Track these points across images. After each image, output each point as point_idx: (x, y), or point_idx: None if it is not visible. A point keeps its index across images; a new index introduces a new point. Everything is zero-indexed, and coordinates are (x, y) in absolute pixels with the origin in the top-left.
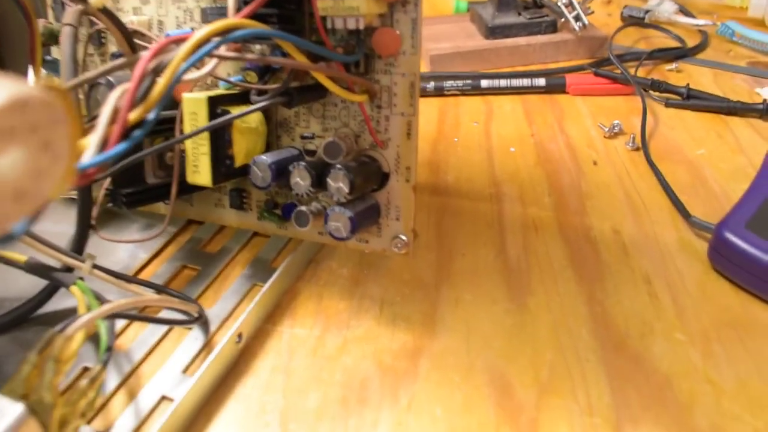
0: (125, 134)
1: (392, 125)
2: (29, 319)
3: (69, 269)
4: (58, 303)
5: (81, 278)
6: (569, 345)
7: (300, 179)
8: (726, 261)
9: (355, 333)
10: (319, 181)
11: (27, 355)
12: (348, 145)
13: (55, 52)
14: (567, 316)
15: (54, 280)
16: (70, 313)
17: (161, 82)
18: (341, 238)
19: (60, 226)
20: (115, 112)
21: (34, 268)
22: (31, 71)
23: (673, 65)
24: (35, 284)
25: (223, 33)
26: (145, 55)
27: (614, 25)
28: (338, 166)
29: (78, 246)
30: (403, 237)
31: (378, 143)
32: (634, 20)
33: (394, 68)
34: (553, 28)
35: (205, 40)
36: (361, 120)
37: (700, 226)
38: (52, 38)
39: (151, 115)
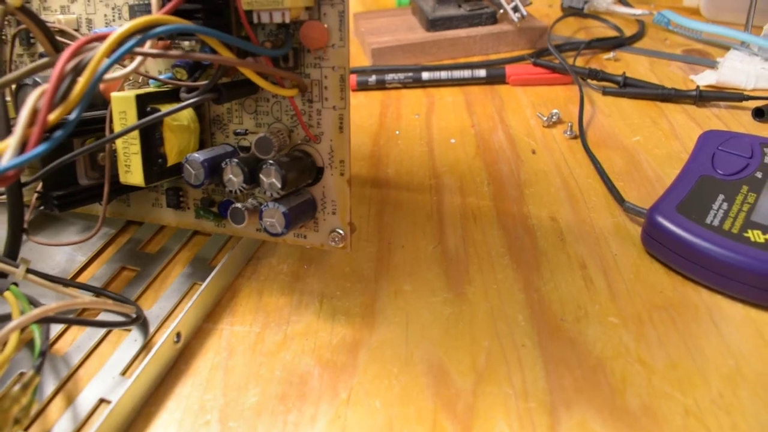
0: (46, 135)
1: (324, 119)
2: None
3: (2, 275)
4: None
5: (15, 284)
6: (506, 331)
7: (233, 176)
8: (658, 244)
9: (295, 328)
10: (253, 178)
11: None
12: (280, 141)
13: None
14: (504, 303)
15: None
16: (5, 319)
17: (81, 81)
18: (276, 233)
19: None
20: (35, 113)
21: None
22: None
23: (611, 54)
24: None
25: (144, 29)
26: (64, 53)
27: (555, 15)
28: (270, 161)
29: (11, 251)
30: (340, 231)
31: (311, 137)
32: (573, 11)
33: (324, 61)
34: (493, 19)
35: (126, 37)
36: (293, 115)
37: (634, 211)
38: None
39: (72, 115)
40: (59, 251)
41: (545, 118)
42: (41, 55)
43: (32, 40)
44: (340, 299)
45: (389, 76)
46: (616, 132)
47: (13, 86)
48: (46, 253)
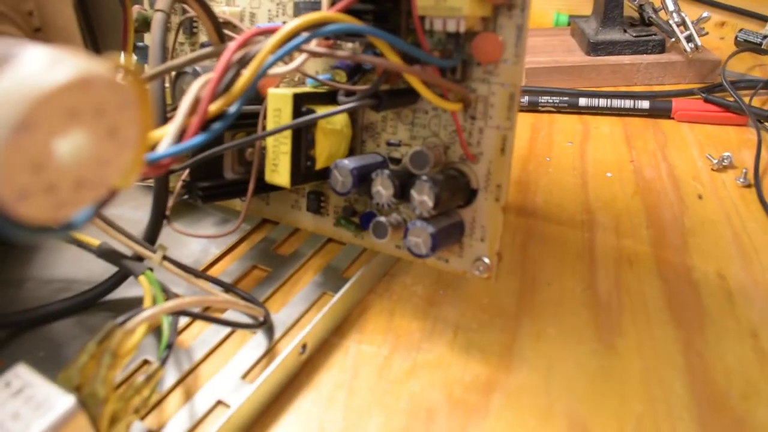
0: (204, 126)
1: (486, 138)
2: (97, 304)
3: (140, 258)
4: (126, 290)
5: (150, 269)
6: (661, 397)
7: (382, 188)
8: None
9: (426, 357)
10: (402, 192)
11: (86, 344)
12: (436, 156)
13: (148, 39)
14: (660, 364)
15: (124, 267)
16: (137, 302)
17: (246, 74)
18: (420, 255)
19: (138, 212)
20: (196, 103)
21: (105, 253)
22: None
23: None
24: (106, 269)
25: (314, 27)
26: (231, 45)
27: (726, 49)
28: (424, 177)
29: (151, 236)
30: (487, 260)
31: (469, 156)
32: (749, 45)
33: (494, 77)
34: (660, 47)
35: (295, 33)
36: (452, 130)
37: None
38: (146, 25)
39: (233, 108)
40: (195, 241)
41: (715, 161)
42: (202, 45)
43: (195, 29)
44: (476, 333)
45: (543, 99)
46: None
47: (173, 73)
48: (181, 240)
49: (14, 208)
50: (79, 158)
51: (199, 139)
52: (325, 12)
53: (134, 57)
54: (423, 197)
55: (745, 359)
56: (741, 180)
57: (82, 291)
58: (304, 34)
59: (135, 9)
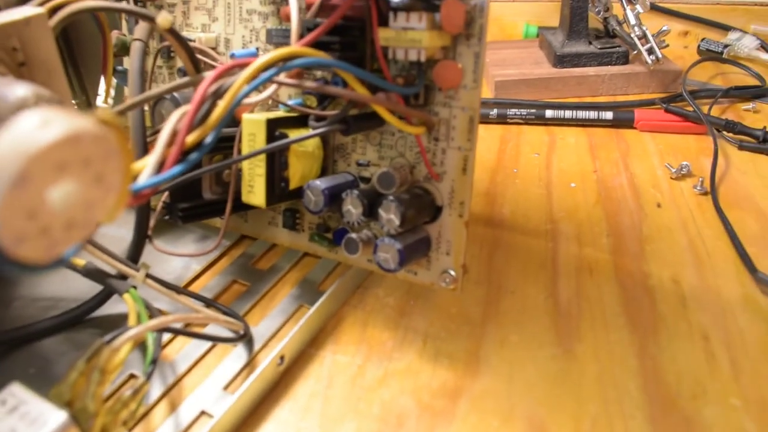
0: (182, 156)
1: (448, 159)
2: (83, 321)
3: (123, 277)
4: (111, 307)
5: (134, 287)
6: (615, 399)
7: (352, 207)
8: None
9: (397, 366)
10: (371, 211)
11: (75, 361)
12: (402, 176)
13: (127, 63)
14: (615, 367)
15: (109, 286)
16: (122, 318)
17: (221, 105)
18: (389, 269)
19: (121, 230)
20: (174, 135)
21: (90, 273)
22: (102, 80)
23: (751, 105)
24: (92, 287)
25: (284, 60)
26: (206, 78)
27: (690, 57)
28: (391, 197)
29: (134, 255)
30: (452, 272)
31: (433, 176)
32: (711, 54)
33: (454, 101)
34: (624, 59)
35: (266, 67)
36: (417, 151)
37: (767, 282)
38: (124, 49)
39: (209, 139)
40: (176, 258)
41: (674, 170)
42: (179, 70)
43: (172, 54)
44: (444, 341)
45: (511, 111)
46: (752, 192)
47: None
48: (164, 257)
49: (13, 250)
50: (69, 203)
51: (177, 169)
52: (293, 47)
53: (114, 80)
54: (390, 216)
55: (695, 361)
56: (698, 188)
57: (69, 309)
58: (276, 67)
59: (114, 34)
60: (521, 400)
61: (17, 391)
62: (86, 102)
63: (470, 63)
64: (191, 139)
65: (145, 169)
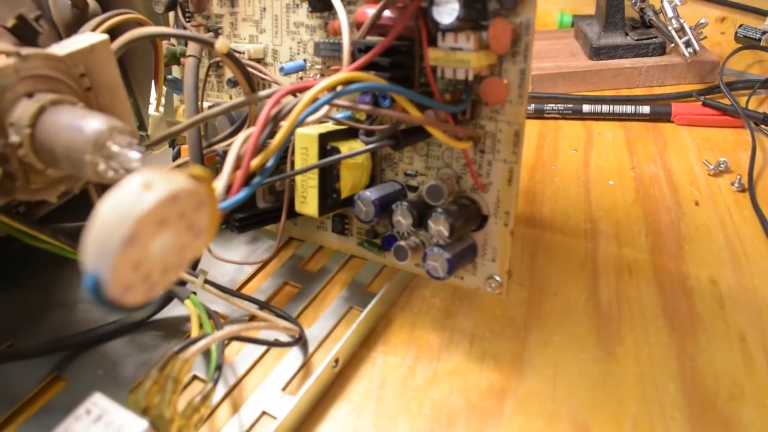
0: (247, 180)
1: (494, 170)
2: (146, 324)
3: (183, 283)
4: (170, 310)
5: (194, 292)
6: (655, 400)
7: (402, 218)
8: None
9: (445, 366)
10: (420, 221)
11: (149, 370)
12: (449, 187)
13: (176, 71)
14: (655, 369)
15: (170, 292)
16: (181, 321)
17: (283, 129)
18: (438, 277)
19: None
20: (239, 159)
21: None
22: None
23: None
24: None
25: (343, 84)
26: (268, 102)
27: (727, 44)
28: (439, 210)
29: (194, 263)
30: (498, 278)
31: (480, 187)
32: (749, 42)
33: (500, 116)
34: (661, 50)
35: (326, 90)
36: (463, 163)
37: None
38: (174, 59)
39: (270, 162)
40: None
41: (712, 167)
42: (229, 81)
43: (220, 64)
44: (489, 342)
45: (548, 106)
46: None
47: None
48: (217, 261)
49: (121, 299)
50: (167, 251)
51: (243, 194)
52: (350, 72)
53: (164, 88)
54: (439, 227)
55: (733, 362)
56: (736, 185)
57: (132, 313)
58: (334, 92)
59: (164, 45)
60: (565, 401)
61: (100, 400)
62: (137, 110)
63: (516, 79)
64: (255, 163)
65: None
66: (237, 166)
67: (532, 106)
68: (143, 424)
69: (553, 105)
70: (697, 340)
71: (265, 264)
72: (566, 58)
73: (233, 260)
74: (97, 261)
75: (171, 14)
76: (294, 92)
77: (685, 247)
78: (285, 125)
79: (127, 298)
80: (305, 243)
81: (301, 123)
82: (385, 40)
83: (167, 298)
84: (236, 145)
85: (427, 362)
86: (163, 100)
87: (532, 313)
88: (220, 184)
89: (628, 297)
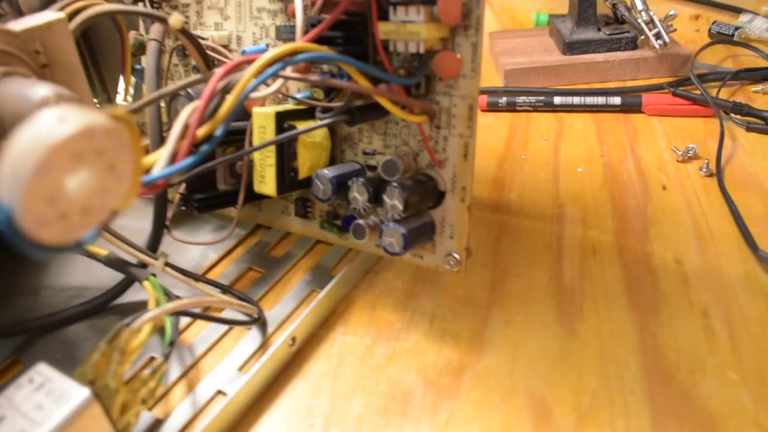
0: (193, 149)
1: (450, 146)
2: (106, 308)
3: (144, 265)
4: (133, 295)
5: (154, 275)
6: (615, 374)
7: (358, 194)
8: None
9: (404, 345)
10: (377, 197)
11: (98, 343)
12: (406, 163)
13: (144, 62)
14: (616, 344)
15: (130, 274)
16: (143, 305)
17: (229, 99)
18: (394, 253)
19: (140, 222)
20: (185, 128)
21: (113, 262)
22: (122, 79)
23: (760, 87)
24: (114, 276)
25: (290, 55)
26: (215, 74)
27: (701, 41)
28: (394, 184)
29: (153, 244)
30: (456, 255)
31: (435, 163)
32: (722, 37)
33: (454, 90)
34: (633, 44)
35: (271, 63)
36: (420, 139)
37: None
38: (141, 49)
39: (218, 132)
40: (195, 247)
41: (680, 153)
42: (195, 68)
43: (187, 52)
44: (450, 321)
45: (520, 99)
46: (758, 173)
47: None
48: (182, 247)
49: (35, 233)
50: (85, 190)
51: (188, 161)
52: (298, 43)
53: (133, 78)
54: (394, 201)
55: (695, 337)
56: (704, 170)
57: (93, 297)
58: (281, 63)
59: (131, 34)
60: (523, 377)
61: (44, 370)
62: (108, 100)
63: (468, 53)
64: (202, 132)
65: (159, 161)
66: (183, 135)
67: (504, 99)
68: (85, 392)
69: (525, 98)
70: (659, 316)
71: (229, 251)
72: (540, 53)
73: (191, 241)
74: (9, 191)
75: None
76: (243, 65)
77: (651, 229)
78: (232, 95)
79: (42, 235)
80: (271, 230)
81: (248, 93)
82: (334, 13)
83: (128, 282)
84: (184, 114)
85: (385, 342)
86: (132, 90)
87: (495, 293)
88: (165, 151)
89: (592, 276)
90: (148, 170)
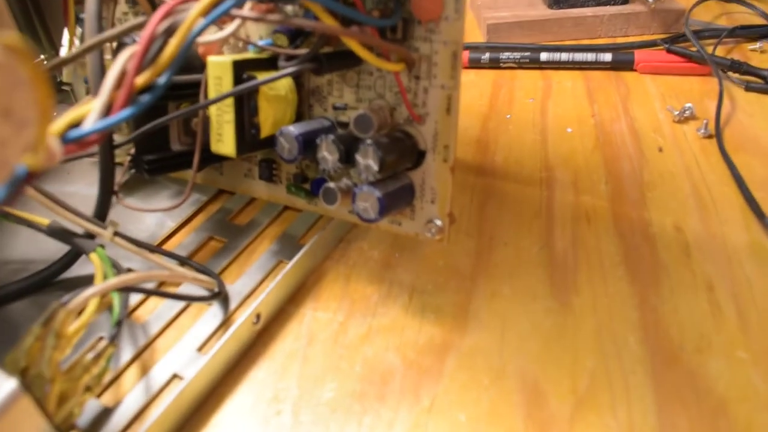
0: (132, 99)
1: (431, 99)
2: (52, 284)
3: (91, 236)
4: (84, 268)
5: (102, 246)
6: (614, 353)
7: (328, 154)
8: None
9: (381, 322)
10: (348, 157)
11: (32, 326)
12: (381, 119)
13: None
14: (614, 320)
15: (75, 245)
16: (89, 281)
17: (173, 43)
18: (369, 219)
19: (92, 189)
20: (122, 75)
21: (55, 232)
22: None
23: (757, 45)
24: (61, 249)
25: None
26: (155, 14)
27: None
28: (368, 141)
29: (101, 212)
30: (438, 222)
31: (414, 118)
32: None
33: (435, 35)
34: None
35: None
36: (397, 92)
37: None
38: None
39: (162, 79)
40: (151, 215)
41: (676, 113)
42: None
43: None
44: (431, 295)
45: (504, 55)
46: (759, 134)
47: (114, 45)
48: (137, 215)
49: None
50: None
51: (126, 113)
52: None
53: (78, 29)
54: (368, 161)
55: (699, 312)
56: (702, 131)
57: (36, 271)
58: (232, 0)
59: None
60: (513, 356)
61: None
62: (56, 55)
63: None
64: (141, 80)
65: (90, 114)
66: (119, 84)
67: (487, 55)
68: (11, 384)
69: (510, 54)
70: (660, 290)
71: (189, 219)
72: (524, 7)
73: (143, 208)
74: None
75: None
76: (189, 2)
77: (648, 195)
78: (176, 36)
79: None
80: (235, 196)
81: (196, 35)
82: None
83: (74, 255)
84: (119, 60)
85: (361, 318)
86: (77, 42)
87: (480, 263)
88: (98, 102)
89: (586, 246)
90: (77, 124)
